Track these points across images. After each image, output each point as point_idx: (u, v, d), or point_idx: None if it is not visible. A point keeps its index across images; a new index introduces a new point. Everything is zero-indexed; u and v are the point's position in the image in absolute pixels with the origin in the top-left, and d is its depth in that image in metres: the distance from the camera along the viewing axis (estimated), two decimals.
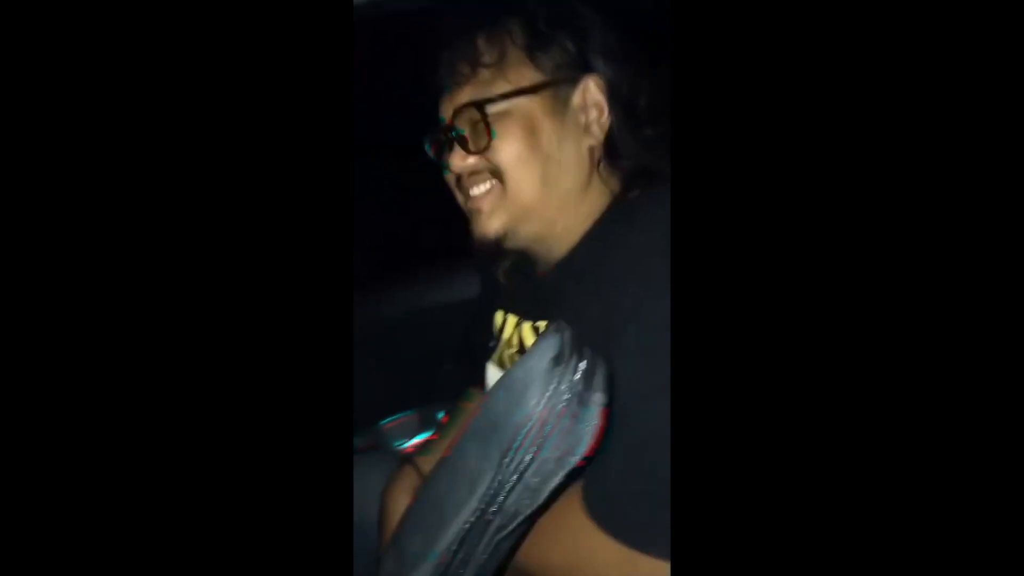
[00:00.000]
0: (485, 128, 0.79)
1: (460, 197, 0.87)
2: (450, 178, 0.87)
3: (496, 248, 0.85)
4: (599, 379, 0.59)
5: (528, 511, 0.58)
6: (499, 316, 0.99)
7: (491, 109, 0.79)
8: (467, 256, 1.01)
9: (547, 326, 0.64)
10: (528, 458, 0.57)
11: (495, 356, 0.98)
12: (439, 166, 0.89)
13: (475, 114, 0.80)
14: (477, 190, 0.83)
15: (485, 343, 1.01)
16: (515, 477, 0.57)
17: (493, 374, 0.99)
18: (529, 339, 0.91)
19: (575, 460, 0.56)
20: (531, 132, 0.80)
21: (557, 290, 0.85)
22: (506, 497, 0.58)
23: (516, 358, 0.92)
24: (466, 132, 0.81)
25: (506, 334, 0.97)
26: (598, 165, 0.82)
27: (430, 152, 0.90)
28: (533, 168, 0.80)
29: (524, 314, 0.94)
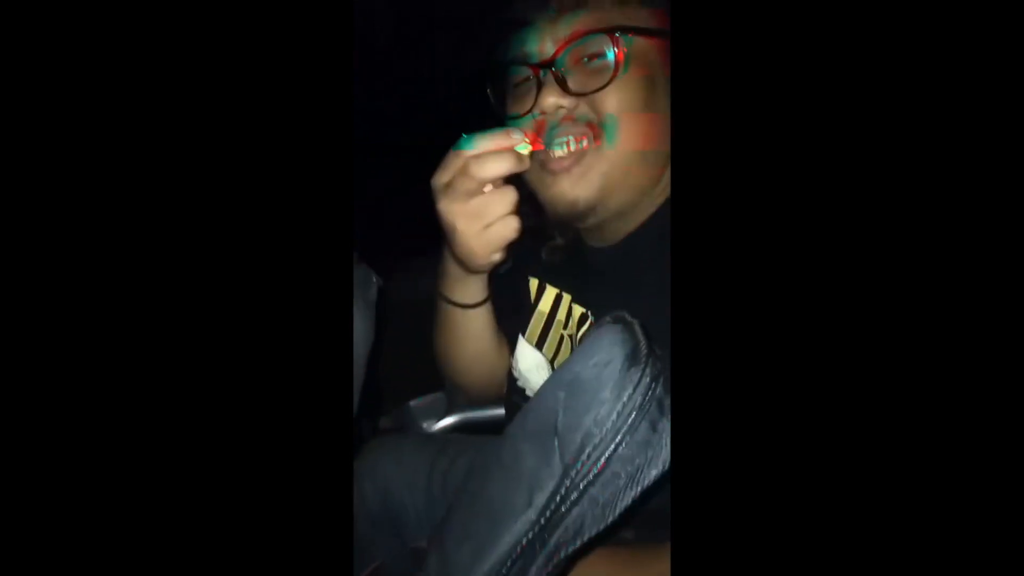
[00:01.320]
0: (616, 59, 0.67)
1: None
2: (528, 130, 0.73)
3: (580, 221, 0.74)
4: None
5: (594, 530, 0.51)
6: (533, 284, 0.92)
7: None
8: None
9: (605, 316, 0.57)
10: (596, 469, 0.50)
11: (529, 331, 0.91)
12: (501, 114, 0.78)
13: (589, 49, 0.68)
14: (567, 146, 0.70)
15: (517, 312, 0.93)
16: (579, 489, 0.51)
17: (524, 349, 0.92)
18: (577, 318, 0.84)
19: (653, 476, 0.50)
20: (650, 80, 0.70)
21: (613, 270, 0.79)
22: (568, 511, 0.51)
23: (565, 337, 0.86)
24: (568, 69, 0.70)
25: (543, 307, 0.90)
26: None
27: (491, 97, 0.80)
28: (646, 123, 0.70)
29: (571, 290, 0.86)
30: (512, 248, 0.72)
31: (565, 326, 0.86)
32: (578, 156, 0.71)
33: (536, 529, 0.52)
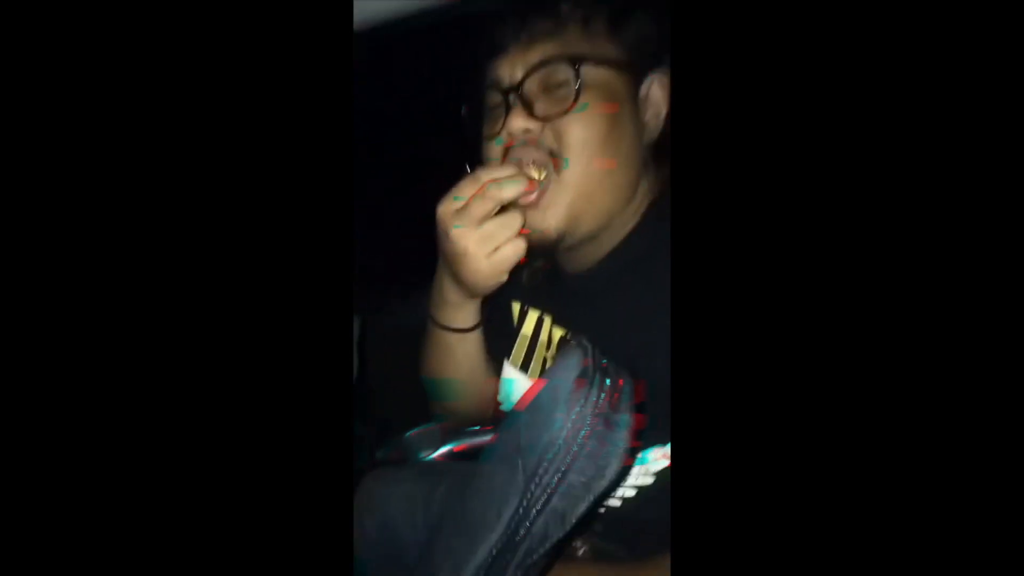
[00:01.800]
0: (575, 89, 0.71)
1: None
2: (496, 152, 0.78)
3: (551, 249, 0.77)
4: (626, 398, 0.57)
5: (557, 537, 0.57)
6: (515, 308, 0.95)
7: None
8: None
9: (569, 342, 0.63)
10: (554, 483, 0.56)
11: (513, 355, 0.95)
12: (474, 139, 0.81)
13: (555, 76, 0.72)
14: (530, 161, 0.74)
15: (503, 338, 0.96)
16: (541, 502, 0.56)
17: (510, 373, 0.96)
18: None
19: (603, 485, 0.55)
20: (615, 111, 0.73)
21: (591, 294, 0.82)
22: (533, 522, 0.57)
23: (548, 359, 0.89)
24: (536, 94, 0.73)
25: (525, 330, 0.93)
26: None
27: (465, 119, 0.83)
28: (610, 151, 0.73)
29: (551, 312, 0.89)
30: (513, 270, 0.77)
31: (547, 348, 0.89)
32: (542, 190, 0.75)
33: (504, 540, 0.57)
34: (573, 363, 0.59)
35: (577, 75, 0.71)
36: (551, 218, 0.74)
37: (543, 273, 0.92)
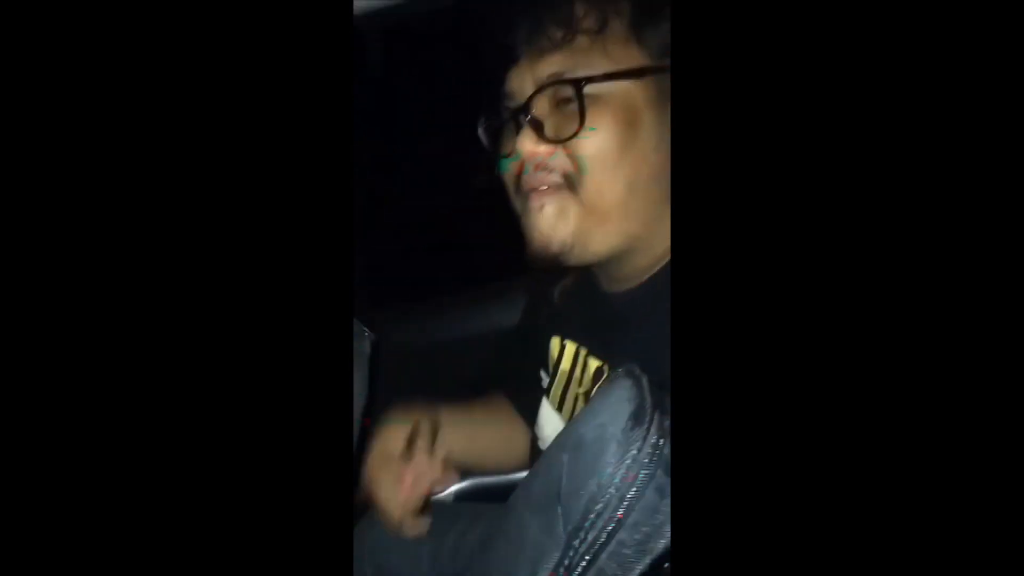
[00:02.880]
0: (579, 112, 0.63)
1: (516, 197, 0.71)
2: (509, 172, 0.71)
3: (556, 261, 0.68)
4: None
5: None
6: (555, 344, 0.86)
7: (588, 90, 0.63)
8: (514, 279, 0.87)
9: (617, 370, 0.54)
10: (603, 539, 0.47)
11: (552, 392, 0.85)
12: (492, 156, 0.73)
13: (565, 92, 0.65)
14: (544, 186, 0.66)
15: (536, 375, 0.88)
16: (586, 561, 0.47)
17: (548, 414, 0.88)
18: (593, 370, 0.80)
19: (663, 545, 0.46)
20: (630, 125, 0.65)
21: (627, 317, 0.73)
22: None
23: (582, 397, 0.82)
24: (546, 112, 0.66)
25: (563, 366, 0.83)
26: None
27: (483, 138, 0.75)
28: (622, 170, 0.65)
29: (587, 343, 0.80)
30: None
31: (580, 383, 0.80)
32: (555, 191, 0.67)
33: None
34: (624, 396, 0.50)
35: (581, 98, 0.63)
36: (558, 230, 0.66)
37: (576, 295, 0.83)
